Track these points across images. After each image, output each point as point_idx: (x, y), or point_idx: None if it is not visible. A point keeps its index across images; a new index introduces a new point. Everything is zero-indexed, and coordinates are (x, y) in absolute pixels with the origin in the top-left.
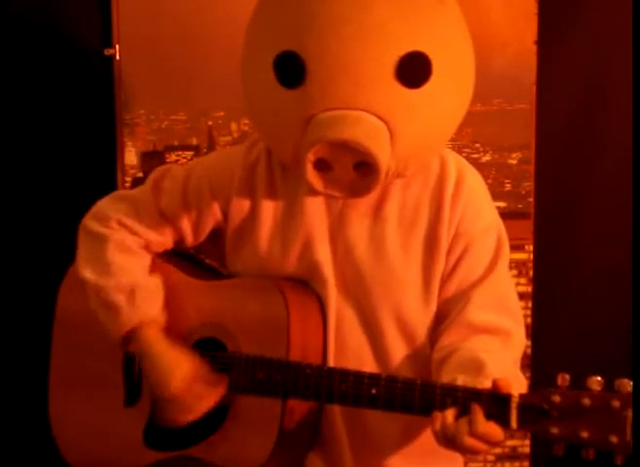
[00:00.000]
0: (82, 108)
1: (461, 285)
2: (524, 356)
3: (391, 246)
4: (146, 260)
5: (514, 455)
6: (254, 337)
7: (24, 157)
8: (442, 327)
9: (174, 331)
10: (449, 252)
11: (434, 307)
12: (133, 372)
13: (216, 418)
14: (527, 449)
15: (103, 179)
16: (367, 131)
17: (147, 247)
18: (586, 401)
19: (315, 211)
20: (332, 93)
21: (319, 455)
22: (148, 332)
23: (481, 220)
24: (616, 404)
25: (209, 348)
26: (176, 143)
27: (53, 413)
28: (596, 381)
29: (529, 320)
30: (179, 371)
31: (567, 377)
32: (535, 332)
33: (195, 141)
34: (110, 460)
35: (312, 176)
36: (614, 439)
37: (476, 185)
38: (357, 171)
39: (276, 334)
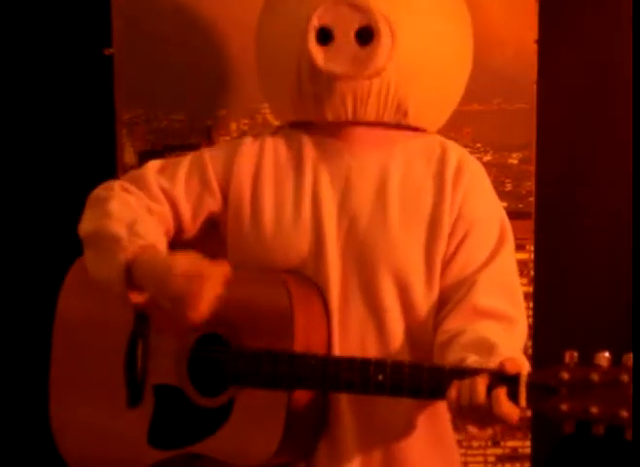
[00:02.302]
0: (81, 108)
1: (464, 270)
2: (526, 356)
3: (393, 224)
4: (149, 217)
5: (514, 456)
6: (257, 330)
7: (23, 157)
8: (445, 310)
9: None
10: (451, 235)
11: (436, 289)
12: (136, 372)
13: (220, 415)
14: (528, 450)
15: (102, 179)
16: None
17: (149, 211)
18: (595, 376)
19: (319, 189)
20: None
21: (324, 443)
22: (150, 252)
23: (484, 205)
24: (625, 378)
25: (212, 344)
26: (175, 143)
27: (53, 416)
28: (604, 357)
29: (530, 320)
30: (177, 261)
31: (575, 354)
32: (536, 332)
33: (194, 141)
34: (113, 461)
35: (314, 47)
36: (624, 413)
37: (477, 171)
38: (359, 44)
39: (281, 327)
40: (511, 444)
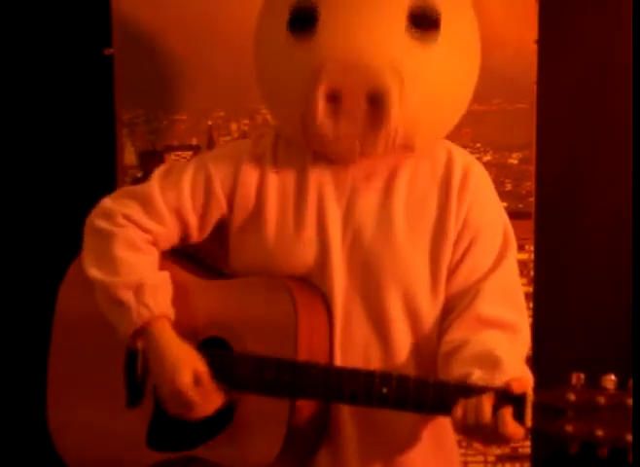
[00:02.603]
0: (81, 108)
1: (469, 278)
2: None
3: (399, 233)
4: (153, 256)
5: (514, 456)
6: (261, 336)
7: (24, 157)
8: (449, 319)
9: (181, 330)
10: (457, 243)
11: (442, 298)
12: (136, 372)
13: (221, 419)
14: (528, 450)
15: (103, 179)
16: (379, 64)
17: (154, 243)
18: (601, 399)
19: (322, 199)
20: (344, 42)
21: (326, 453)
22: (156, 328)
23: (489, 212)
24: (630, 402)
25: (215, 348)
26: (176, 143)
27: (51, 416)
28: (610, 380)
29: (530, 320)
30: (186, 367)
31: (582, 376)
32: (536, 332)
33: (194, 141)
34: (111, 462)
35: (322, 111)
36: (629, 437)
37: (482, 178)
38: (369, 106)
39: (284, 333)
40: (510, 444)
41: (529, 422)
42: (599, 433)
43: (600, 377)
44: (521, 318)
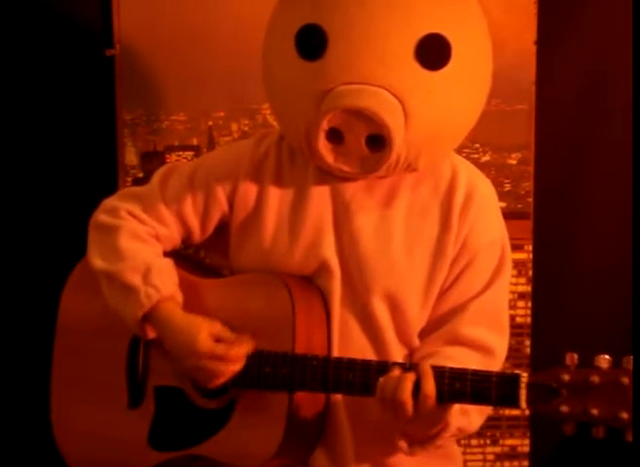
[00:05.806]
0: (82, 108)
1: (459, 298)
2: (524, 356)
3: (396, 246)
4: (157, 247)
5: (513, 454)
6: (259, 332)
7: (25, 157)
8: (431, 333)
9: None
10: (453, 263)
11: (429, 310)
12: (137, 372)
13: (221, 416)
14: (527, 449)
15: (104, 179)
16: (383, 104)
17: (157, 238)
18: (596, 378)
19: (322, 205)
20: (351, 68)
21: (322, 450)
22: (165, 308)
23: (489, 234)
24: (625, 380)
25: None
26: (176, 143)
27: (55, 417)
28: (604, 359)
29: (529, 320)
30: (202, 330)
31: (575, 356)
32: (534, 332)
33: (195, 141)
34: (113, 462)
35: (323, 146)
36: (624, 415)
37: (486, 197)
38: (369, 147)
39: (282, 329)
40: (509, 442)
41: (524, 403)
42: (594, 412)
43: (594, 357)
44: (500, 341)
